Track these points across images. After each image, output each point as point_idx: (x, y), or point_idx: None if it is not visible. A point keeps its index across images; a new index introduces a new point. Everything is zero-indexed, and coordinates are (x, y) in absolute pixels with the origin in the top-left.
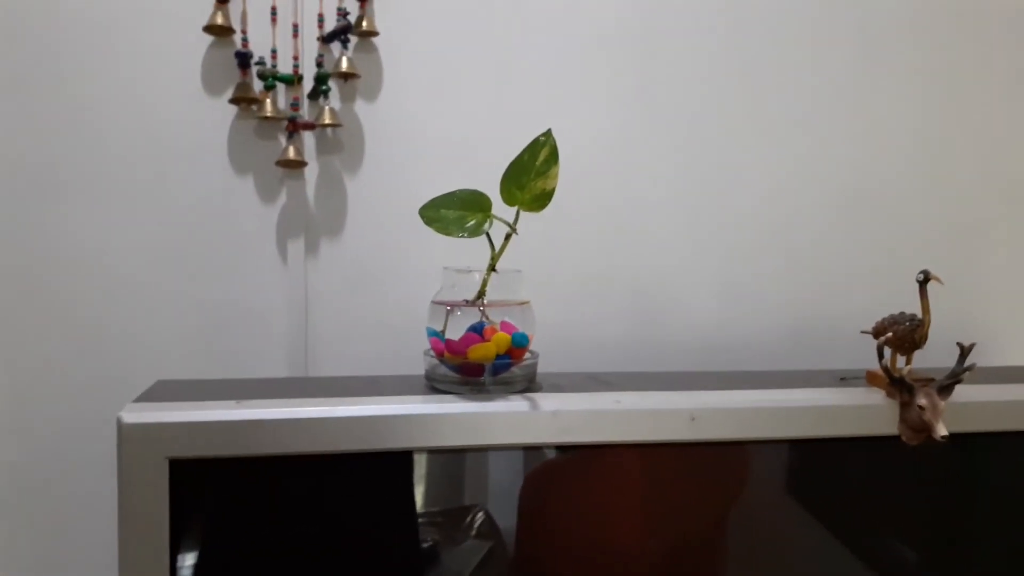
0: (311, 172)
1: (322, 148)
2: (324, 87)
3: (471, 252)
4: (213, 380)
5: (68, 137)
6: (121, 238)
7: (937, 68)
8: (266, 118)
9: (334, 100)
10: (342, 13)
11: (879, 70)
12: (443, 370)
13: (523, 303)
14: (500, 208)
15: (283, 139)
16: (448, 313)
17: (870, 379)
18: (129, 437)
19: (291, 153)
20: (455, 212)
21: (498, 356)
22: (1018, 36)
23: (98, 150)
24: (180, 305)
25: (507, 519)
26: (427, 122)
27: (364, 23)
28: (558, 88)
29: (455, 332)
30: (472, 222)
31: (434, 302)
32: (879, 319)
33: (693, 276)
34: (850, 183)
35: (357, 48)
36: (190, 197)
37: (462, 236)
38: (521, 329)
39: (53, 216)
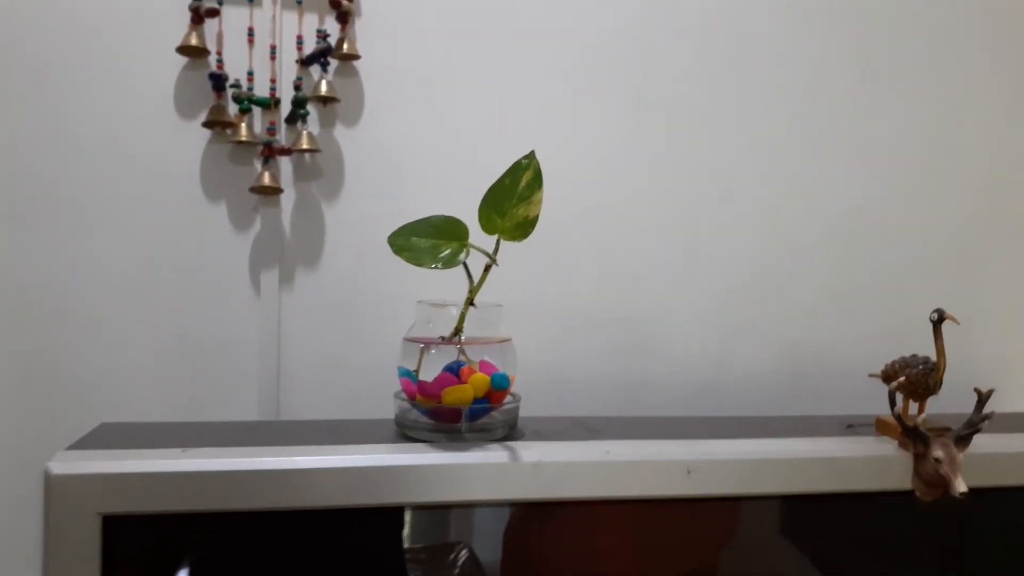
0: (287, 199)
1: (299, 174)
2: (302, 111)
3: (454, 284)
4: (163, 423)
5: (30, 159)
6: (83, 265)
7: (944, 83)
8: (241, 142)
9: (312, 125)
10: (322, 35)
11: (882, 87)
12: (415, 415)
13: (504, 340)
14: (479, 236)
15: (258, 164)
16: (422, 351)
17: (880, 427)
18: (57, 490)
19: (266, 179)
20: (428, 240)
21: (476, 400)
22: None
23: (62, 173)
24: (143, 338)
25: (492, 555)
26: (409, 148)
27: (345, 46)
28: (548, 112)
29: (430, 372)
30: (446, 251)
31: (406, 339)
32: (889, 361)
33: (687, 310)
34: (854, 210)
35: (337, 71)
36: (158, 224)
37: (435, 267)
38: (501, 369)
39: (9, 241)
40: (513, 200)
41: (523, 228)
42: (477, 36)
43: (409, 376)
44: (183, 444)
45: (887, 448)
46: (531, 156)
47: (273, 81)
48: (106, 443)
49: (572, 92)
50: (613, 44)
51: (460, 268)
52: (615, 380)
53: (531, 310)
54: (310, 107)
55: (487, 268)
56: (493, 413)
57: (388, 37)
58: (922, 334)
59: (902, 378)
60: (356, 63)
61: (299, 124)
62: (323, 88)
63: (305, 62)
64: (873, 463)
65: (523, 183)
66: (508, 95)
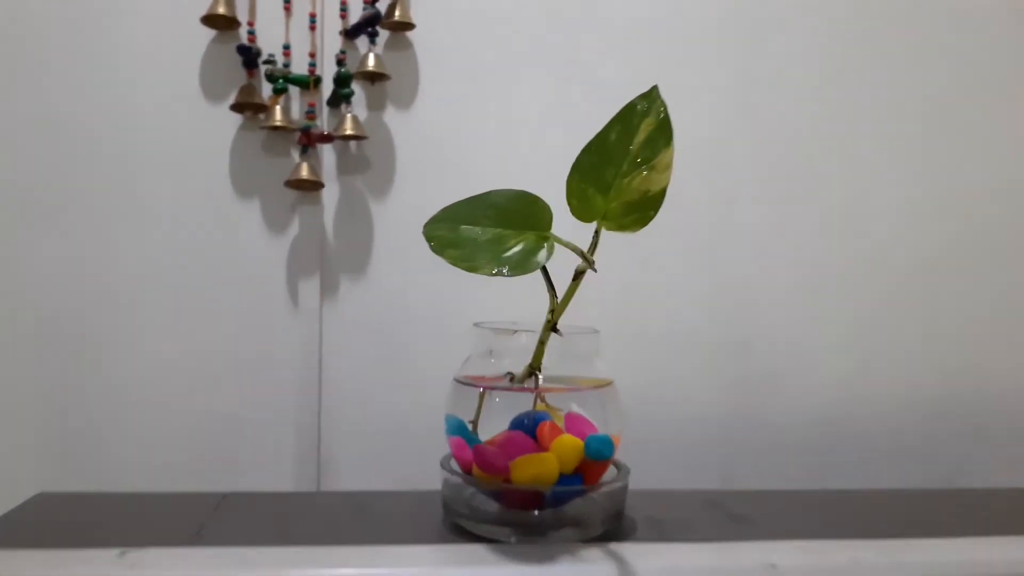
0: (329, 195)
1: (343, 166)
2: (346, 90)
3: (530, 296)
4: (111, 495)
5: (38, 152)
6: (92, 270)
7: None
8: (275, 128)
9: (358, 107)
10: (369, 1)
11: None
12: (471, 495)
13: (603, 384)
14: (566, 225)
15: (296, 154)
16: (481, 397)
17: None
18: None
19: (304, 172)
20: (487, 231)
21: (563, 476)
22: None
23: (70, 168)
24: (160, 359)
25: None
26: (471, 133)
27: (396, 12)
28: (636, 89)
29: (491, 427)
30: (516, 248)
31: (458, 380)
32: None
33: (812, 334)
34: (1006, 211)
35: (387, 44)
36: (180, 225)
37: (498, 273)
38: (600, 427)
39: (15, 244)
40: (624, 166)
41: (640, 210)
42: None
43: (462, 434)
44: (127, 538)
45: None
46: (653, 93)
47: (312, 56)
48: (23, 528)
49: (672, 69)
50: (720, 22)
51: (536, 274)
52: (727, 416)
53: (620, 330)
54: (355, 86)
55: (579, 275)
56: (590, 496)
57: (447, 2)
58: None
59: None
60: (409, 34)
61: (343, 106)
62: (371, 63)
63: (350, 33)
64: None
65: (641, 137)
66: (590, 71)
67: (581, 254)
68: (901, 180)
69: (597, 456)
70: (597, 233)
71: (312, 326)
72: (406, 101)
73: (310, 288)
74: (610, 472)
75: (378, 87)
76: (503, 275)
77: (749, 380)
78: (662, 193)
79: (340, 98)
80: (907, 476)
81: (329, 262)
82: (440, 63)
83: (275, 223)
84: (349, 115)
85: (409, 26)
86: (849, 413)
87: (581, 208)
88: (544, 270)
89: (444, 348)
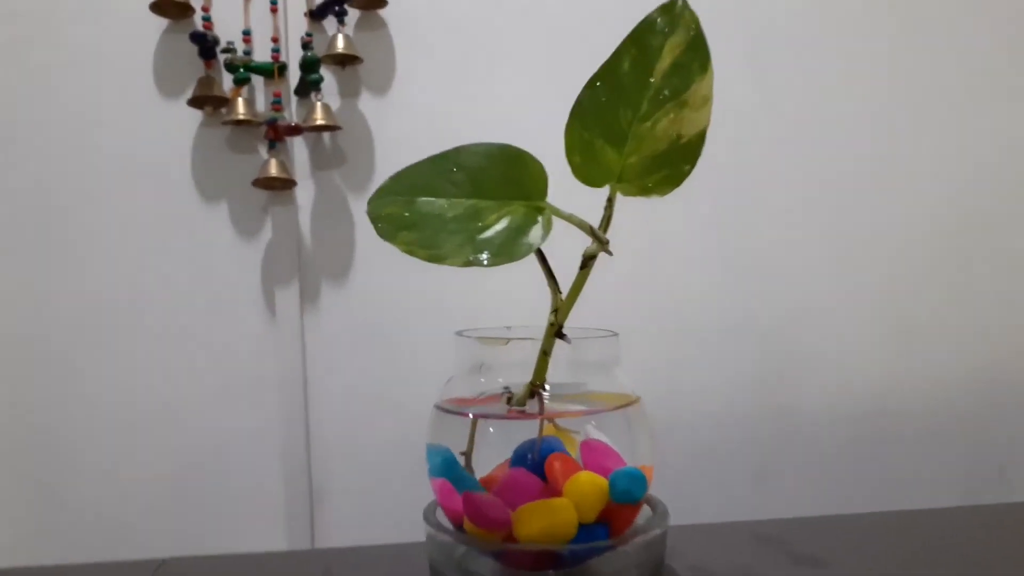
0: (304, 194)
1: (317, 160)
2: (315, 76)
3: (528, 288)
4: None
5: None
6: (44, 289)
7: None
8: (239, 122)
9: (329, 95)
10: None
11: None
12: (463, 555)
13: (628, 402)
14: (562, 191)
15: (263, 150)
16: (472, 427)
17: None
18: None
19: (274, 169)
20: (457, 203)
21: (582, 528)
22: None
23: (20, 175)
24: (120, 387)
25: None
26: (456, 116)
27: None
28: None
29: (486, 463)
30: (499, 224)
31: (439, 407)
32: None
33: (844, 317)
34: None
35: (358, 24)
36: (141, 235)
37: (474, 262)
38: (629, 459)
39: None
40: (643, 105)
41: (669, 165)
42: None
43: (450, 475)
44: None
45: None
46: (676, 5)
47: (276, 40)
48: None
49: None
50: None
51: (529, 259)
52: (752, 409)
53: (635, 315)
54: (324, 71)
55: (588, 261)
56: (621, 550)
57: None
58: None
59: None
60: (382, 12)
61: (312, 95)
62: (340, 45)
63: (316, 13)
64: None
65: (665, 63)
66: (579, 42)
67: (591, 232)
68: (936, 145)
69: (626, 498)
70: (611, 201)
71: (293, 340)
72: (382, 85)
73: (288, 297)
74: (643, 514)
75: (350, 71)
76: (480, 264)
77: (775, 370)
78: (700, 139)
79: (308, 85)
80: (953, 467)
81: (308, 267)
82: (417, 41)
83: (245, 228)
84: (319, 104)
85: (381, 3)
86: (888, 399)
87: (587, 167)
88: (540, 255)
89: (443, 357)
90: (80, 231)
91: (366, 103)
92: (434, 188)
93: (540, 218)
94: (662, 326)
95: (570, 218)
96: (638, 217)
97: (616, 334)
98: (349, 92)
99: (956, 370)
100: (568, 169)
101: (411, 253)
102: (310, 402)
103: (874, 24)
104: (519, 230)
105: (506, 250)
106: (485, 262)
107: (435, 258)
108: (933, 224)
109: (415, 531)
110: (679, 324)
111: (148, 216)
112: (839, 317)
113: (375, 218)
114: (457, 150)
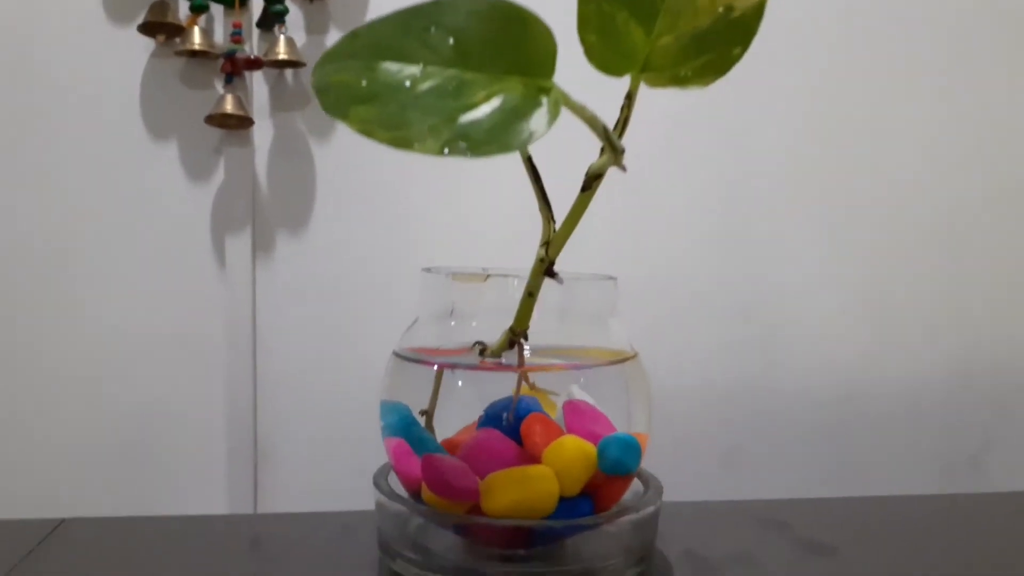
0: (261, 134)
1: (277, 100)
2: (279, 7)
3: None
4: None
5: None
6: None
7: None
8: (194, 53)
9: (294, 29)
10: None
11: None
12: (418, 527)
13: (623, 358)
14: (569, 79)
15: (219, 85)
16: (437, 378)
17: None
18: None
19: (229, 105)
20: (434, 71)
21: (563, 500)
22: None
23: None
24: (57, 339)
25: None
26: None
27: None
28: None
29: (453, 423)
30: (490, 104)
31: (398, 354)
32: None
33: (827, 290)
34: None
35: None
36: (82, 172)
37: (452, 149)
38: (621, 425)
39: None
40: None
41: (714, 47)
42: None
43: (407, 434)
44: None
45: None
46: None
47: None
48: None
49: None
50: None
51: (512, 193)
52: (735, 384)
53: (620, 286)
54: (291, 3)
55: (593, 179)
56: (605, 529)
57: None
58: None
59: None
60: None
61: (276, 28)
62: None
63: None
64: None
65: None
66: None
67: (604, 134)
68: (922, 129)
69: (617, 469)
70: (630, 98)
71: (243, 292)
72: (353, 20)
73: (240, 246)
74: (633, 490)
75: (318, 5)
76: (461, 153)
77: (752, 345)
78: (757, 12)
79: (272, 17)
80: (930, 449)
81: (262, 214)
82: None
83: (196, 168)
84: (283, 37)
85: None
86: (867, 381)
87: (605, 49)
88: (532, 167)
89: (408, 316)
90: (10, 163)
91: (334, 38)
92: (403, 51)
93: (545, 100)
94: (645, 291)
95: (581, 111)
96: (615, 174)
97: (614, 278)
98: (317, 28)
99: (933, 355)
100: (571, 54)
101: (367, 134)
102: (259, 358)
103: (862, 5)
104: (516, 113)
105: (498, 136)
106: (467, 151)
107: (400, 141)
108: (918, 210)
109: (367, 499)
110: (664, 290)
111: (88, 151)
112: (822, 291)
113: (322, 87)
114: (437, 3)
